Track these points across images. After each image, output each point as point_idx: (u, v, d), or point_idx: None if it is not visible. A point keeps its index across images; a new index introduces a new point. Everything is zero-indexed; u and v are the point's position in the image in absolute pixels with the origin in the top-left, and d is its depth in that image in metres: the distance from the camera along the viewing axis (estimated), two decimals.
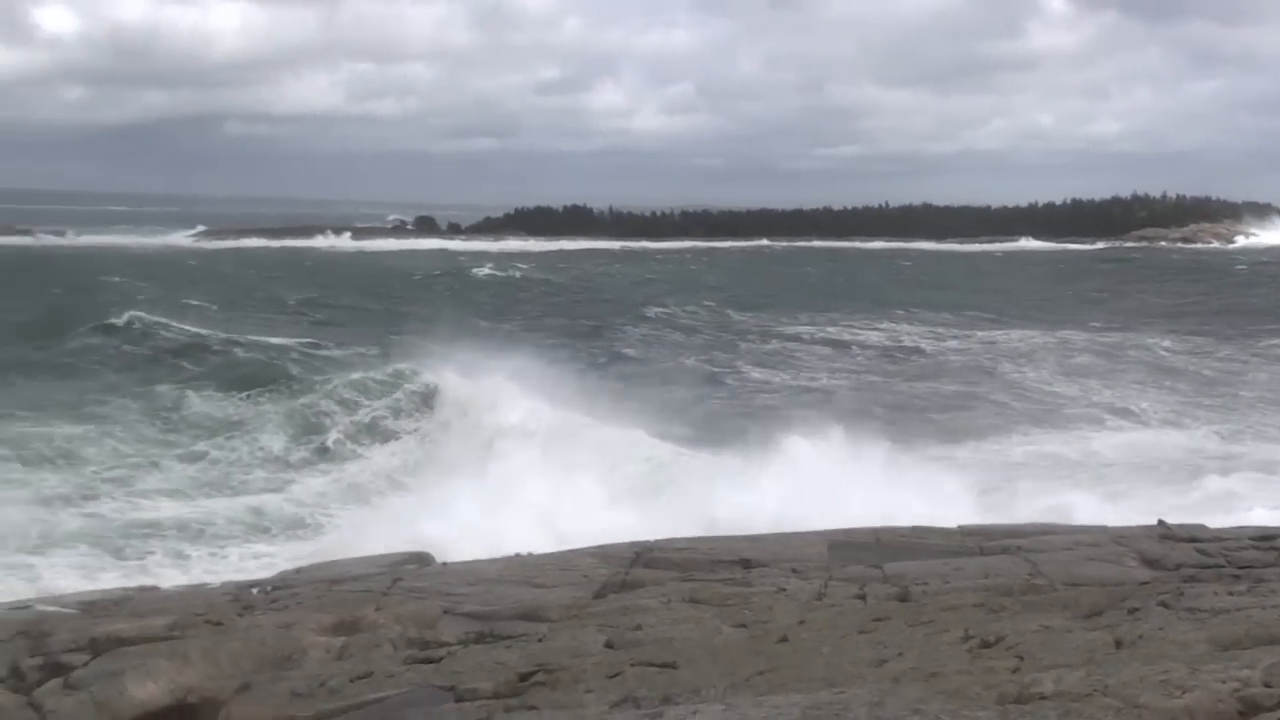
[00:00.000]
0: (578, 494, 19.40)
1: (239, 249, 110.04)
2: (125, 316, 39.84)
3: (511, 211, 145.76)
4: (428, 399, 29.24)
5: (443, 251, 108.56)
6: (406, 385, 29.78)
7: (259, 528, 20.53)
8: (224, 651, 8.51)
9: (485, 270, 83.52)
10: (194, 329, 39.28)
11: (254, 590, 11.65)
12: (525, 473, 20.93)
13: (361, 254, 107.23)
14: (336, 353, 36.46)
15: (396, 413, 28.57)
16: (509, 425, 25.87)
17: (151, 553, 18.64)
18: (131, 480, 23.53)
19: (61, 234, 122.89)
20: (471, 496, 19.03)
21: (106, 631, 9.24)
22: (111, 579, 15.99)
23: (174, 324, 39.81)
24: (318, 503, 22.44)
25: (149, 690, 7.89)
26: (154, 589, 12.79)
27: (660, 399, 32.44)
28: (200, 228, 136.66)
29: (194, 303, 50.45)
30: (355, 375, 31.16)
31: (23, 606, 11.26)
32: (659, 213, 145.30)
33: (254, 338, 38.20)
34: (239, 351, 35.90)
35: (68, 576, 16.95)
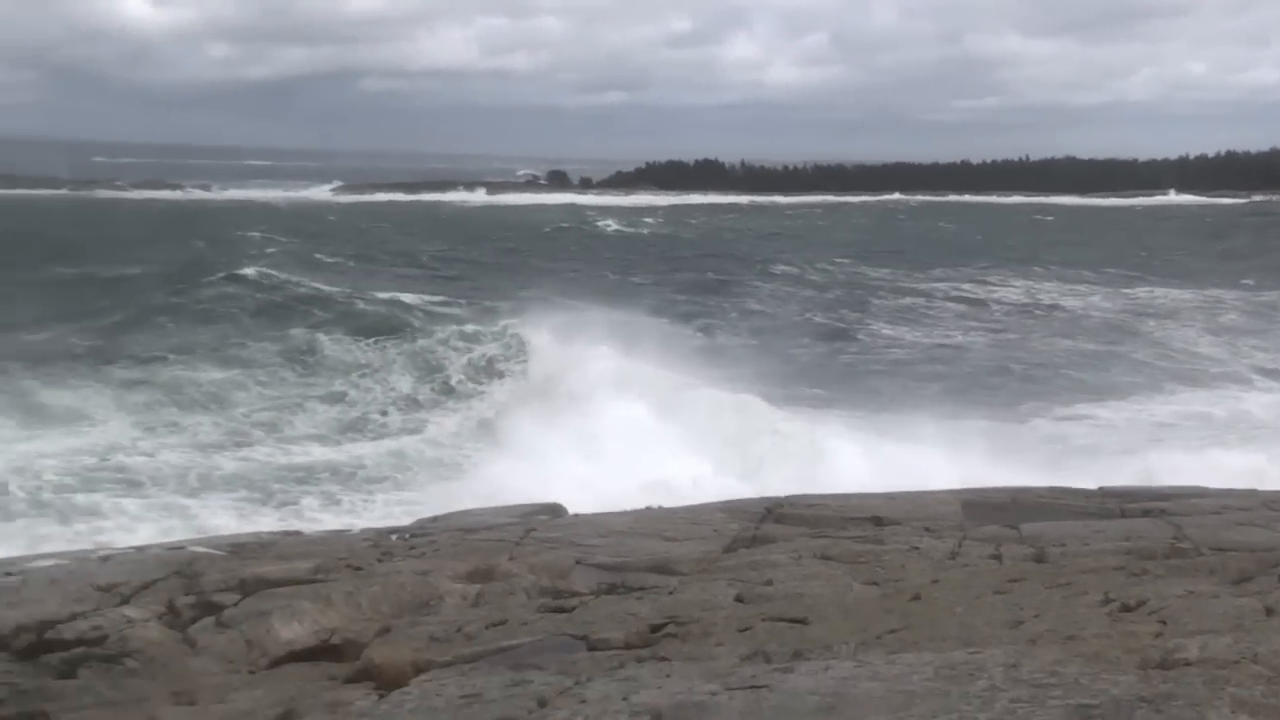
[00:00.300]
0: (678, 460, 19.34)
1: (375, 203, 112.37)
2: (253, 269, 41.18)
3: (642, 165, 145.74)
4: (531, 352, 29.52)
5: (572, 206, 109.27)
6: (515, 337, 30.04)
7: (403, 468, 21.08)
8: (365, 595, 8.77)
9: (612, 224, 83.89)
10: (319, 284, 40.36)
11: (393, 537, 11.96)
12: (628, 434, 20.97)
13: (493, 208, 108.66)
14: (455, 309, 37.21)
15: (502, 366, 28.98)
16: (612, 382, 25.83)
17: (304, 495, 19.30)
18: (279, 424, 24.52)
19: (208, 188, 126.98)
20: (574, 454, 19.24)
21: (255, 573, 9.59)
22: (267, 522, 16.64)
23: (299, 278, 40.94)
24: (454, 443, 22.98)
25: (295, 630, 8.19)
26: (298, 534, 13.20)
27: (785, 356, 32.33)
28: (337, 183, 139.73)
29: (325, 258, 51.87)
30: (469, 328, 31.69)
31: (177, 547, 11.73)
32: (791, 167, 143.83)
33: (377, 293, 39.03)
34: (360, 304, 36.77)
35: (222, 518, 17.67)
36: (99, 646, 7.96)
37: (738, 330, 38.33)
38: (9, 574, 10.60)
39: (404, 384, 27.62)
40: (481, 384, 27.63)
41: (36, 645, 8.08)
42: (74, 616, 8.83)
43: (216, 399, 26.17)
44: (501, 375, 28.00)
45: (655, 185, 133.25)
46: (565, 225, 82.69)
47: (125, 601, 9.27)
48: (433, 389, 27.33)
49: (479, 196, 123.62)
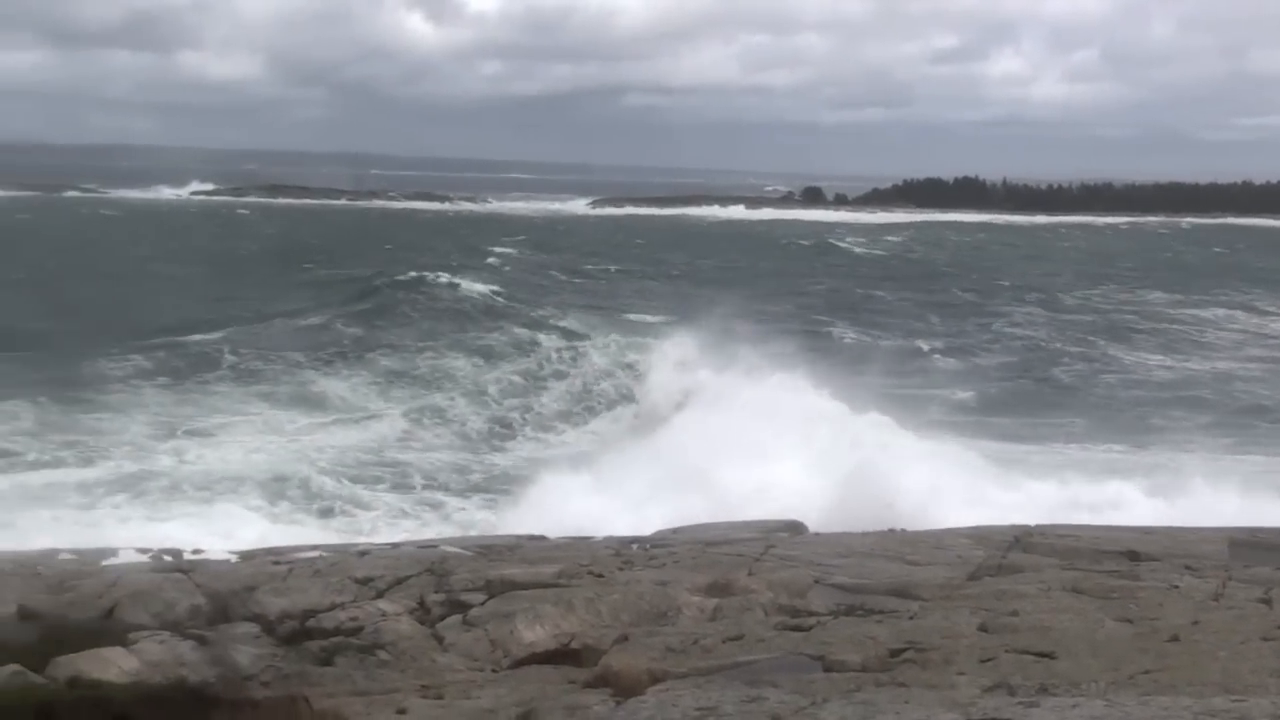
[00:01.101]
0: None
1: (628, 216, 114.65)
2: (464, 280, 43.27)
3: (900, 183, 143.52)
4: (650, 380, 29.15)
5: (821, 222, 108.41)
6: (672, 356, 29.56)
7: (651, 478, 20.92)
8: (605, 603, 8.91)
9: (857, 242, 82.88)
10: (486, 289, 42.03)
11: (634, 546, 12.11)
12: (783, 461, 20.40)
13: (741, 223, 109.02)
14: (647, 318, 37.99)
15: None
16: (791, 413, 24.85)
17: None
18: (529, 421, 25.41)
19: (474, 200, 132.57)
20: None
21: (501, 575, 9.90)
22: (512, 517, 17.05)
23: (471, 284, 42.59)
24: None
25: (537, 633, 8.41)
26: (541, 538, 13.53)
27: (1026, 387, 31.03)
28: (596, 196, 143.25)
29: (557, 268, 53.59)
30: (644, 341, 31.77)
31: (429, 545, 12.24)
32: (1056, 185, 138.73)
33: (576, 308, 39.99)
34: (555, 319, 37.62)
35: (477, 514, 18.19)
36: (355, 637, 8.38)
37: (978, 357, 37.04)
38: (277, 563, 11.29)
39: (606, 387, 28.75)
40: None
41: (299, 632, 8.58)
42: (333, 607, 9.34)
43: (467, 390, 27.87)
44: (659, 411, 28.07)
45: (913, 203, 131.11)
46: (805, 242, 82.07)
47: (380, 595, 9.74)
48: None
49: (732, 212, 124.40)
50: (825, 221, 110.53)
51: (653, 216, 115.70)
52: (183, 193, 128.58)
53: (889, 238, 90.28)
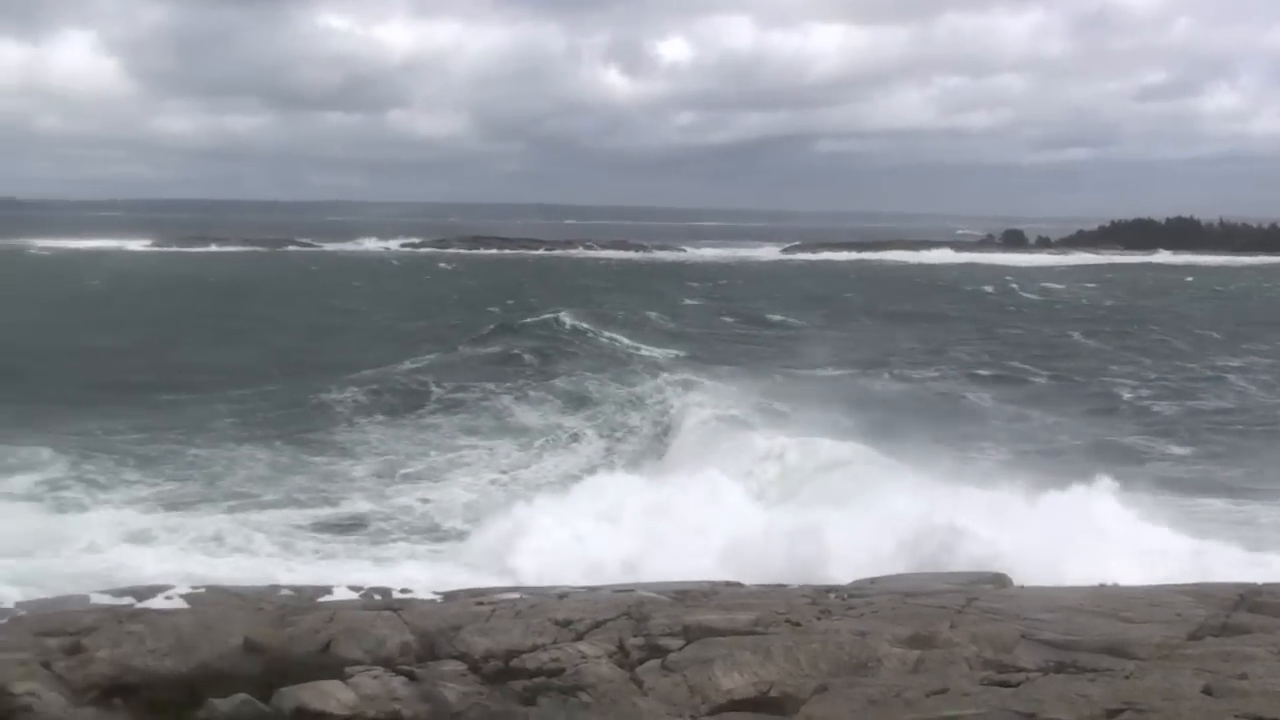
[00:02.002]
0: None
1: (825, 262, 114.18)
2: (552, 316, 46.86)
3: (1107, 224, 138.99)
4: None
5: (1020, 267, 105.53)
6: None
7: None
8: (804, 651, 8.81)
9: (1047, 285, 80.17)
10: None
11: (831, 595, 11.95)
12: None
13: (936, 267, 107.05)
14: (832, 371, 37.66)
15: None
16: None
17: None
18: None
19: (668, 248, 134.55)
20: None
21: (697, 620, 9.89)
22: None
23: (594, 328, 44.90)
24: None
25: (735, 680, 8.36)
26: (737, 584, 13.48)
27: (1256, 441, 29.13)
28: (789, 243, 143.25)
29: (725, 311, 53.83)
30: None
31: (626, 590, 12.34)
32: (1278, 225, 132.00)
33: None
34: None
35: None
36: (556, 678, 8.50)
37: (1184, 400, 35.08)
38: (480, 603, 11.56)
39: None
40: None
41: (503, 671, 8.75)
42: (535, 648, 9.50)
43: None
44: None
45: (1121, 244, 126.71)
46: (989, 290, 79.61)
47: (580, 638, 9.85)
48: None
49: (927, 256, 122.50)
50: (1025, 266, 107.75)
51: (847, 262, 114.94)
52: (391, 245, 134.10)
53: (1090, 282, 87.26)
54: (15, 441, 25.52)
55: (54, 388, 33.55)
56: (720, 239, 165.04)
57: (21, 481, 23.16)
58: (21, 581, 15.40)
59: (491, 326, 47.14)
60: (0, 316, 49.62)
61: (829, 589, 12.66)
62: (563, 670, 8.67)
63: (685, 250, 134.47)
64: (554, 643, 9.58)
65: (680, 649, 9.10)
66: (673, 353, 41.52)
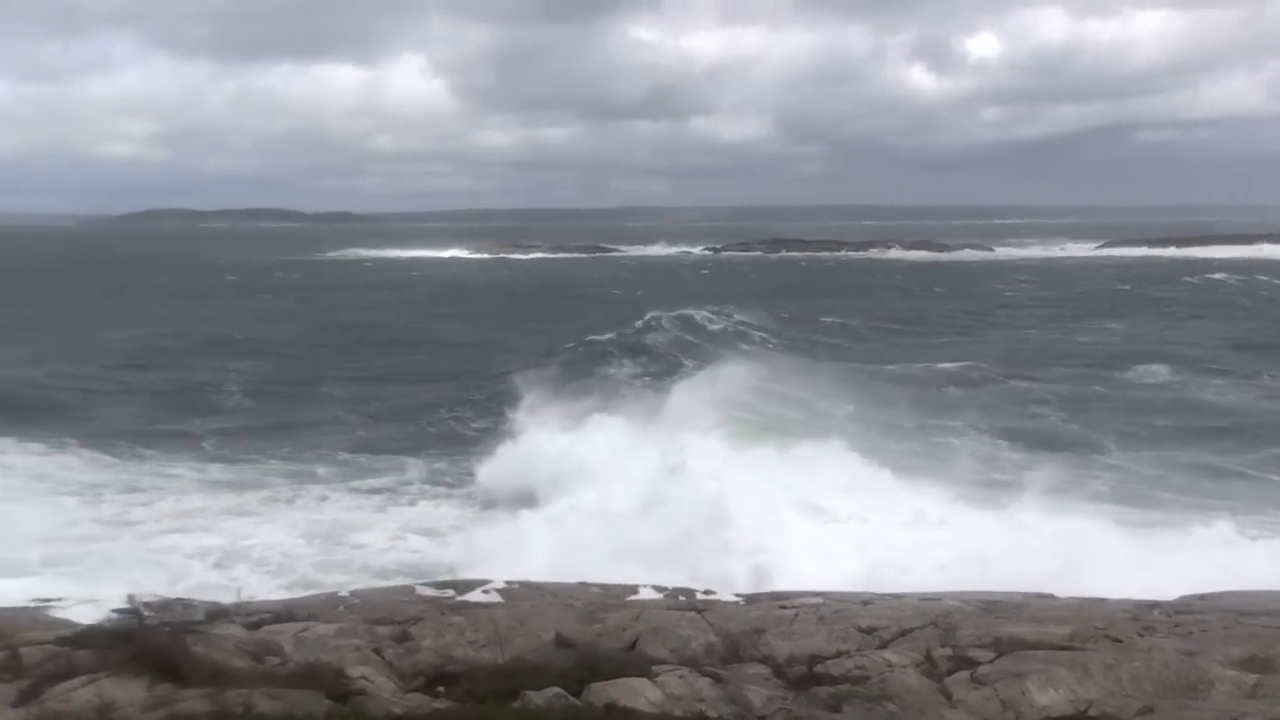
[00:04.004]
0: None
1: (1145, 259, 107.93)
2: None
3: None
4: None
5: None
6: None
7: None
8: (1125, 670, 8.37)
9: None
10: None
11: (1154, 611, 11.31)
12: None
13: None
14: None
15: None
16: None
17: None
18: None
19: (974, 246, 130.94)
20: None
21: (1009, 633, 9.55)
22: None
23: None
24: None
25: (1050, 696, 8.02)
26: (1050, 596, 12.95)
27: None
28: (1102, 239, 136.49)
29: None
30: None
31: (933, 598, 12.05)
32: None
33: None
34: None
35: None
36: (862, 685, 8.37)
37: None
38: (783, 607, 11.55)
39: None
40: None
41: (807, 677, 8.70)
42: (839, 654, 9.41)
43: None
44: None
45: None
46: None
47: (884, 646, 9.69)
48: None
49: (1261, 250, 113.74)
50: None
51: (1148, 258, 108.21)
52: (694, 250, 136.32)
53: None
54: None
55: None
56: (1030, 236, 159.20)
57: None
58: None
59: None
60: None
61: (1152, 604, 11.99)
62: (868, 678, 8.54)
63: (994, 250, 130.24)
64: (858, 649, 9.47)
65: (991, 661, 8.81)
66: None
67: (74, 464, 25.83)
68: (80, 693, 7.05)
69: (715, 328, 48.03)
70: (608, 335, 43.73)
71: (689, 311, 50.79)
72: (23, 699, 7.02)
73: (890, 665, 8.86)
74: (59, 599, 13.85)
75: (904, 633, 9.97)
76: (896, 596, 12.66)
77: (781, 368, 33.11)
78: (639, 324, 46.86)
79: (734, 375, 30.32)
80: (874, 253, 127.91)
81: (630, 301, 62.57)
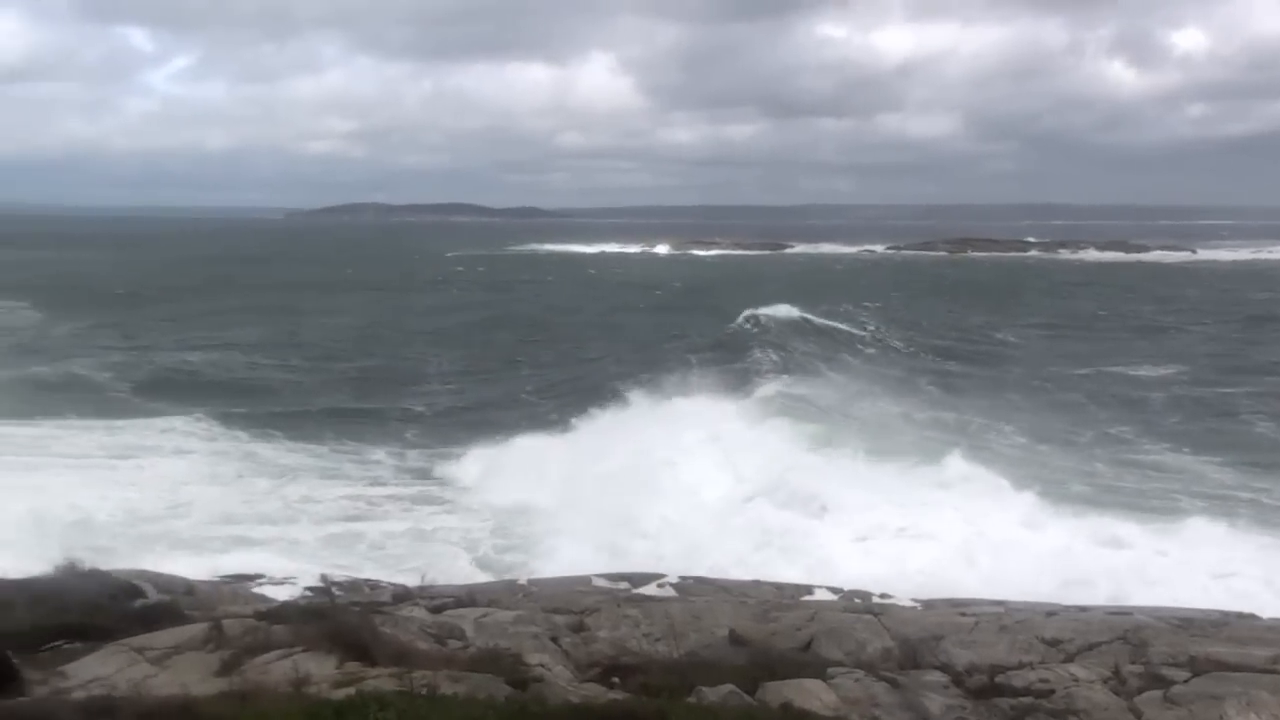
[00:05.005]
0: None
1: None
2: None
3: None
4: None
5: None
6: None
7: None
8: None
9: None
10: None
11: None
12: None
13: None
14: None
15: None
16: None
17: None
18: None
19: (1174, 248, 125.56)
20: None
21: (1206, 652, 9.14)
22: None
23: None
24: None
25: None
26: (1252, 617, 12.34)
27: None
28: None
29: None
30: None
31: (1122, 612, 11.61)
32: None
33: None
34: None
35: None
36: (1046, 699, 8.12)
37: None
38: (962, 614, 11.28)
39: None
40: None
41: (988, 687, 8.49)
42: (1021, 665, 9.14)
43: None
44: None
45: None
46: None
47: (1070, 659, 9.38)
48: None
49: None
50: None
51: None
52: (877, 248, 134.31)
53: None
54: None
55: None
56: (1236, 237, 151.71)
57: None
58: None
59: None
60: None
61: None
62: (1052, 692, 8.28)
63: (1198, 252, 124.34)
64: (1041, 662, 9.21)
65: (1186, 681, 8.44)
66: None
67: (273, 448, 27.00)
68: (277, 665, 7.38)
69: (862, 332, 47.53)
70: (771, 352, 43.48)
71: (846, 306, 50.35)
72: (225, 669, 7.40)
73: (1076, 680, 8.57)
74: (258, 575, 14.52)
75: (1090, 646, 9.65)
76: (1082, 609, 12.24)
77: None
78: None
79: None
80: (1063, 254, 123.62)
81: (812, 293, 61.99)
